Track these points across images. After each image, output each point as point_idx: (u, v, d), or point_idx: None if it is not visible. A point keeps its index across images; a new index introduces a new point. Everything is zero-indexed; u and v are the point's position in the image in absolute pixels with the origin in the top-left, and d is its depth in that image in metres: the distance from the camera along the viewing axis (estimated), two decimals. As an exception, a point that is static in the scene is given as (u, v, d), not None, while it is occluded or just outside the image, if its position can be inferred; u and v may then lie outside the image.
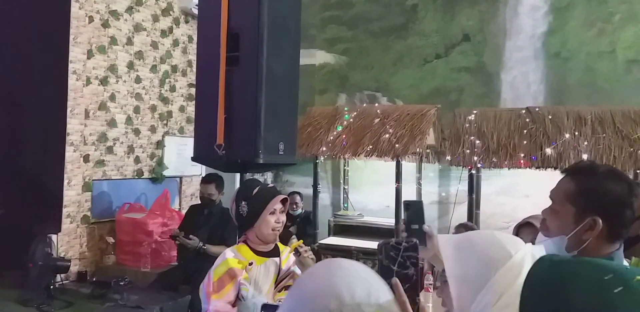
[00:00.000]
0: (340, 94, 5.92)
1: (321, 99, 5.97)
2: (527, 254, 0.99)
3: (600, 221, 1.22)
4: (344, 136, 4.95)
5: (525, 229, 2.09)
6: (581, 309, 0.69)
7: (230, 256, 1.89)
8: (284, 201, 1.99)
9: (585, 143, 4.08)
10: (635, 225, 1.38)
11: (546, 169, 4.18)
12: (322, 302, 0.81)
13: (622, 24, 4.79)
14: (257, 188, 1.95)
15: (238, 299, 1.87)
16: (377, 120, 4.96)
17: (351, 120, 5.10)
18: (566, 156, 4.06)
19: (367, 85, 5.80)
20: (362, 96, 5.80)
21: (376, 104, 5.42)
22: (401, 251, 0.93)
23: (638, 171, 4.03)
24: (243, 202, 1.92)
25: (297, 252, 1.90)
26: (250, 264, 1.91)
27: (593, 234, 1.22)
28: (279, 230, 1.96)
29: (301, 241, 2.00)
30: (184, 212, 4.27)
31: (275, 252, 2.01)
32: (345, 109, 5.23)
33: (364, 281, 0.85)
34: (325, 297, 0.81)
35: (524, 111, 4.50)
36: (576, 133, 4.15)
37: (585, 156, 4.01)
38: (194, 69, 4.75)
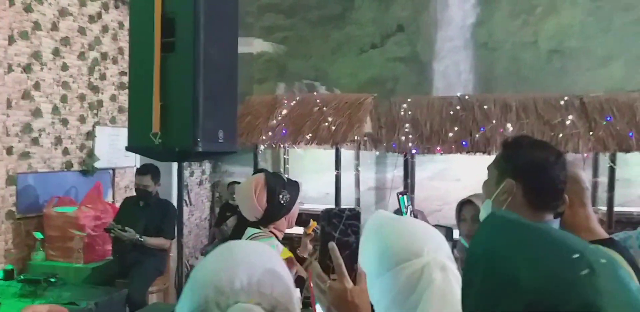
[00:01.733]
0: (279, 83, 5.90)
1: (260, 88, 5.93)
2: (434, 264, 0.93)
3: (514, 182, 1.26)
4: (283, 125, 4.95)
5: (467, 206, 2.17)
6: (538, 289, 0.53)
7: (282, 246, 1.93)
8: None
9: (511, 128, 4.32)
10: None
11: (475, 154, 4.40)
12: (202, 292, 0.75)
13: (544, 15, 5.08)
14: (283, 175, 2.03)
15: None
16: (316, 109, 5.00)
17: (290, 109, 5.10)
18: (493, 140, 4.29)
19: (305, 74, 5.82)
20: (301, 85, 5.81)
21: (315, 93, 5.45)
22: (343, 219, 0.93)
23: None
24: (284, 191, 1.93)
25: (314, 231, 2.02)
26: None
27: (510, 195, 1.25)
28: None
29: (315, 223, 2.06)
30: (118, 205, 4.13)
31: None
32: (284, 97, 5.22)
33: (249, 267, 0.78)
34: (205, 287, 0.76)
35: (454, 99, 4.69)
36: (502, 119, 4.39)
37: (511, 141, 4.25)
38: (126, 57, 4.58)
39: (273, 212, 1.93)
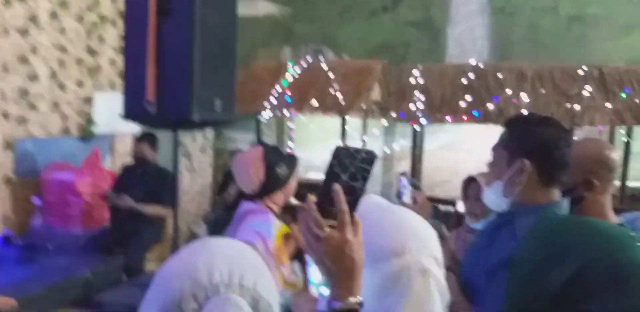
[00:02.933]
0: (285, 47, 5.70)
1: (264, 52, 5.73)
2: (414, 267, 0.86)
3: (529, 162, 1.25)
4: (288, 92, 4.79)
5: (472, 184, 2.13)
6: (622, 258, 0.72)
7: (279, 222, 1.92)
8: None
9: (526, 99, 4.14)
10: (578, 184, 1.41)
11: (487, 124, 4.24)
12: (177, 284, 0.74)
13: (565, -22, 4.79)
14: (281, 149, 2.04)
15: None
16: (322, 75, 4.82)
17: (296, 75, 4.93)
18: (507, 111, 4.12)
19: (312, 38, 5.60)
20: (308, 50, 5.61)
21: (322, 59, 5.25)
22: (357, 161, 0.83)
23: (574, 127, 4.17)
24: (282, 164, 1.92)
25: None
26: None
27: (524, 176, 1.25)
28: None
29: (313, 198, 1.98)
30: (117, 171, 4.07)
31: None
32: (290, 63, 5.04)
33: (228, 260, 0.77)
34: (180, 279, 0.75)
35: (468, 67, 4.49)
36: (517, 89, 4.21)
37: (524, 112, 4.09)
38: (125, 18, 4.41)
39: (270, 186, 1.92)
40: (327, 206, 0.81)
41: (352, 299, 0.78)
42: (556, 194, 1.28)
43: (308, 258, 0.96)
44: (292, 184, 2.01)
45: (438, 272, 0.89)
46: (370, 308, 0.84)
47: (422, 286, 0.85)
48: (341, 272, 0.79)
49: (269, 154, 1.94)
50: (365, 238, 0.86)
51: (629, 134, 4.27)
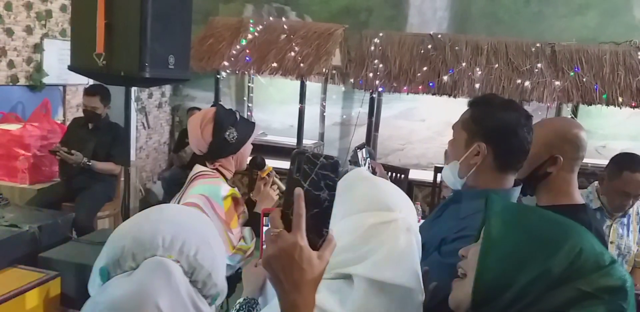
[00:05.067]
0: (247, 5, 5.55)
1: (226, 8, 5.57)
2: (402, 223, 0.90)
3: (485, 146, 1.24)
4: (247, 51, 4.72)
5: None
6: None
7: (227, 186, 1.90)
8: None
9: (479, 72, 4.25)
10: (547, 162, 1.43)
11: (441, 96, 4.34)
12: (121, 242, 0.77)
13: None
14: (237, 114, 1.95)
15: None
16: (283, 36, 4.76)
17: (256, 34, 4.84)
18: (460, 84, 4.22)
19: (276, -3, 5.47)
20: (270, 8, 5.48)
21: (283, 19, 5.16)
22: (317, 167, 0.74)
23: (523, 102, 4.32)
24: (232, 128, 1.87)
25: (269, 176, 1.97)
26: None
27: (479, 158, 1.25)
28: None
29: (271, 167, 2.01)
30: (68, 124, 3.95)
31: None
32: (251, 21, 4.93)
33: (175, 226, 0.79)
34: (125, 237, 0.77)
35: (427, 37, 4.53)
36: (472, 62, 4.29)
37: (477, 85, 4.20)
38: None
39: (217, 148, 1.89)
40: (290, 214, 0.73)
41: None
42: (509, 180, 1.29)
43: (265, 223, 0.98)
44: (245, 151, 1.96)
45: (418, 233, 0.94)
46: (348, 250, 0.87)
47: (406, 241, 0.88)
48: (289, 284, 0.71)
49: (220, 116, 1.89)
50: (363, 191, 0.90)
51: (574, 112, 4.46)
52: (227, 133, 1.87)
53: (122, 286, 0.73)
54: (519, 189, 1.31)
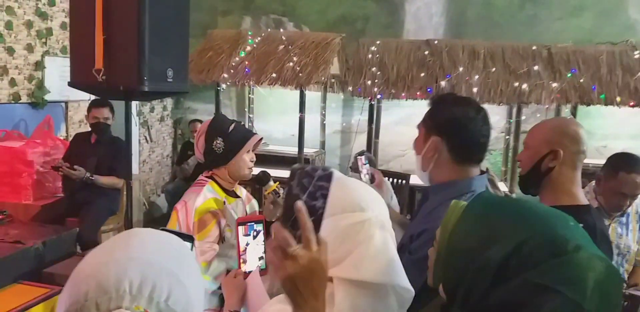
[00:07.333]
0: (245, 17, 5.61)
1: (224, 21, 5.63)
2: (375, 221, 0.91)
3: (439, 139, 1.31)
4: (246, 62, 4.76)
5: None
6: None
7: (210, 196, 1.86)
8: (259, 141, 1.97)
9: (477, 77, 4.26)
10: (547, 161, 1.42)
11: (440, 101, 4.35)
12: (84, 287, 0.66)
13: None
14: (233, 125, 1.91)
15: (219, 241, 1.84)
16: (281, 47, 4.80)
17: (255, 45, 4.88)
18: (458, 88, 4.24)
19: (273, 8, 5.53)
20: (268, 20, 5.54)
21: (281, 30, 5.21)
22: (314, 179, 0.83)
23: (522, 104, 4.33)
24: (219, 139, 1.86)
25: (276, 193, 1.90)
26: (224, 203, 1.89)
27: (436, 151, 1.31)
28: (252, 168, 1.95)
29: (277, 183, 1.95)
30: (70, 140, 3.98)
31: (236, 193, 2.01)
32: (249, 33, 4.98)
33: (143, 264, 0.68)
34: (87, 281, 0.66)
35: (423, 43, 4.56)
36: (469, 67, 4.31)
37: (475, 90, 4.21)
38: (76, -19, 4.19)
39: (208, 159, 1.91)
40: (290, 230, 0.79)
41: None
42: (471, 172, 1.33)
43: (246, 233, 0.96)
44: (239, 161, 1.90)
45: (391, 229, 0.96)
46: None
47: (381, 238, 0.90)
48: (308, 293, 0.77)
49: (212, 126, 1.89)
50: (334, 193, 0.91)
51: (573, 113, 4.46)
52: (214, 143, 1.87)
53: None
54: (484, 177, 1.35)
